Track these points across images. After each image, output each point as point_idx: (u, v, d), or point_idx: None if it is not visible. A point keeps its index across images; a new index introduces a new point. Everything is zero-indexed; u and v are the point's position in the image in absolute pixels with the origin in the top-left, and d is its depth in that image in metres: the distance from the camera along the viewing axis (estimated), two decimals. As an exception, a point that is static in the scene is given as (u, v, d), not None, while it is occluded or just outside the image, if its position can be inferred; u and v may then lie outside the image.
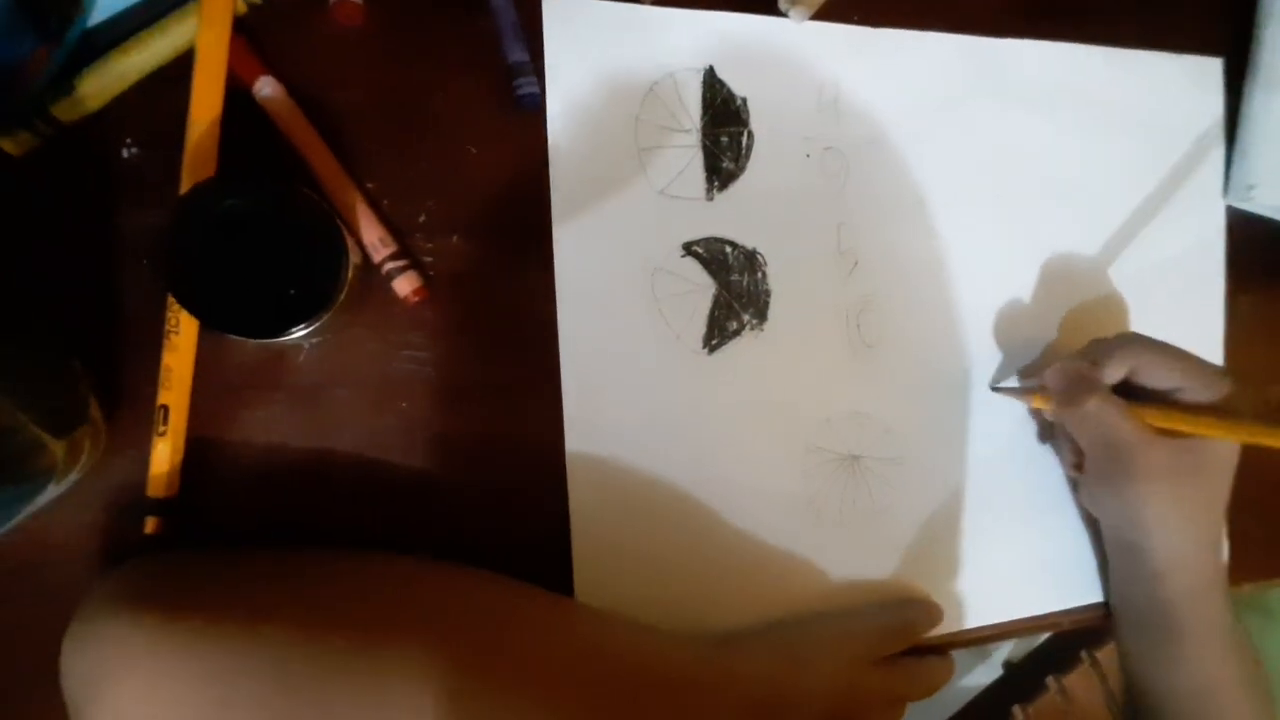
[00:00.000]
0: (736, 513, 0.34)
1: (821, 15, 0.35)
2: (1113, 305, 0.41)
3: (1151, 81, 0.41)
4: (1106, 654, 0.68)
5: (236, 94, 0.30)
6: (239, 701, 0.23)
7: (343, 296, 0.27)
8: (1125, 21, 0.41)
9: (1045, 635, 0.67)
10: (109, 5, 0.29)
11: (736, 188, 0.35)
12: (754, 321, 0.35)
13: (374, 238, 0.31)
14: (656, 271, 0.34)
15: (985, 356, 0.38)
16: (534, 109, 0.32)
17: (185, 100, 0.29)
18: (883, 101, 0.37)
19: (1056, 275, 0.40)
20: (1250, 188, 0.42)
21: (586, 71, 0.33)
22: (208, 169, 0.29)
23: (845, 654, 0.33)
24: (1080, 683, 0.69)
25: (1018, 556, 0.39)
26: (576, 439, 0.32)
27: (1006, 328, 0.39)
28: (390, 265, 0.31)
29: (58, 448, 0.24)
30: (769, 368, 0.35)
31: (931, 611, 0.36)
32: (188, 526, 0.30)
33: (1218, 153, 0.43)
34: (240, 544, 0.30)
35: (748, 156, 0.35)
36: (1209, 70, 0.42)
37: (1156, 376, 0.34)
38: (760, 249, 0.35)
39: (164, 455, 0.29)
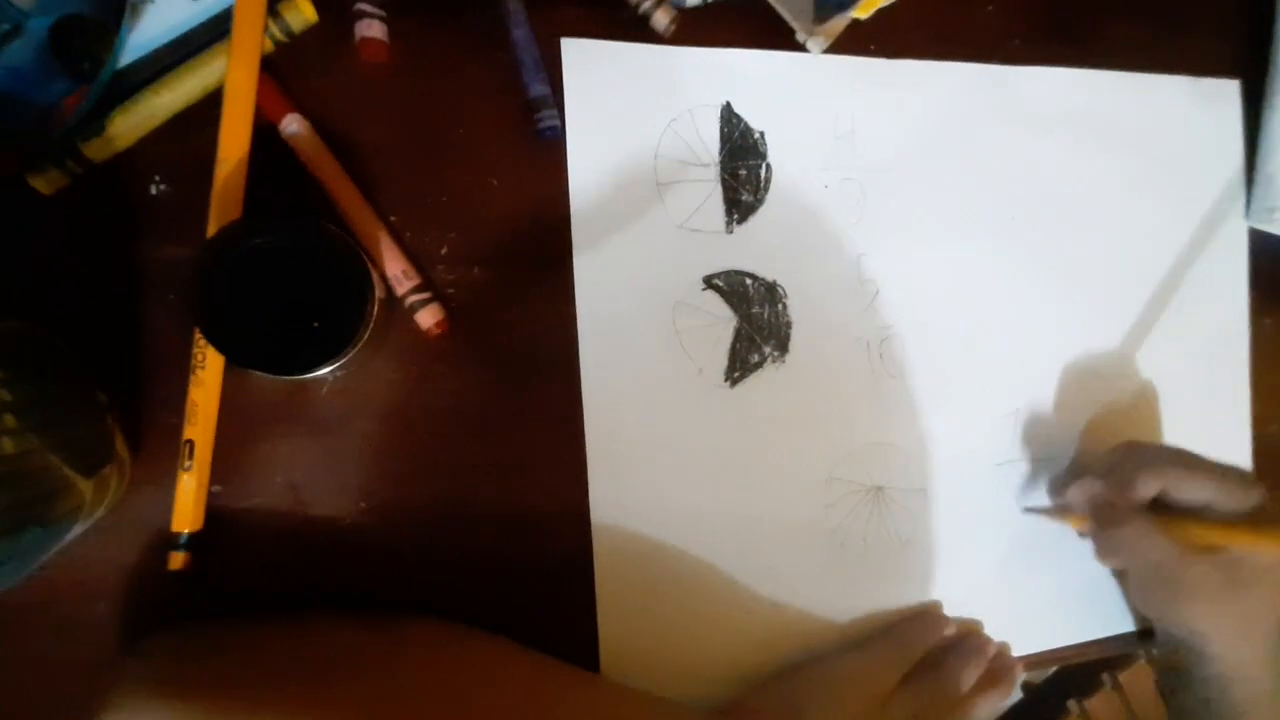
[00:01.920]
0: (759, 544, 0.34)
1: (839, 45, 0.36)
2: (1134, 330, 0.40)
3: (1169, 105, 0.41)
4: (1128, 677, 0.66)
5: (262, 130, 0.30)
6: None
7: (368, 333, 0.27)
8: (1140, 46, 0.41)
9: (1067, 659, 0.65)
10: (139, 46, 0.29)
11: (756, 220, 0.35)
12: (776, 354, 0.35)
13: (397, 270, 0.31)
14: (677, 305, 0.34)
15: (1008, 384, 0.38)
16: (555, 140, 0.33)
17: (213, 138, 0.29)
18: (899, 132, 0.37)
19: (1077, 300, 0.39)
20: (1272, 210, 0.41)
21: (605, 111, 0.33)
22: (235, 205, 0.29)
23: (851, 702, 0.33)
24: (1102, 706, 0.67)
25: (1045, 587, 0.38)
26: (599, 471, 0.32)
27: (1030, 355, 0.38)
28: (413, 298, 0.31)
29: (86, 487, 0.24)
30: (791, 400, 0.35)
31: (928, 619, 0.36)
32: (212, 563, 0.30)
33: (1238, 174, 0.42)
34: (262, 613, 0.30)
35: (766, 189, 0.35)
36: (1226, 92, 0.42)
37: (1188, 492, 0.33)
38: (781, 280, 0.35)
39: (189, 490, 0.29)
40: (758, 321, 0.34)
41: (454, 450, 0.32)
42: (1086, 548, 0.39)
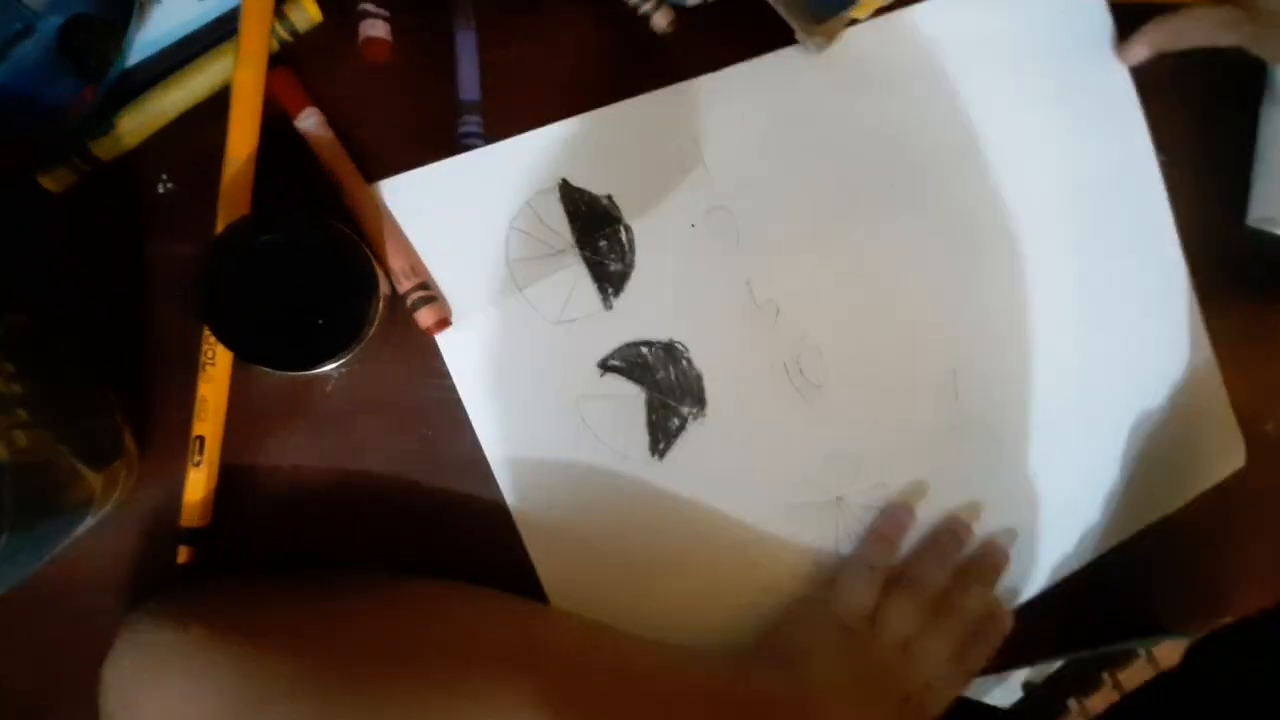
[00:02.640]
0: (736, 584, 0.34)
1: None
2: (1059, 270, 0.39)
3: (1030, 15, 0.38)
4: (1128, 675, 0.67)
5: (270, 126, 0.30)
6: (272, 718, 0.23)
7: (373, 330, 0.28)
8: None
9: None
10: (147, 45, 0.30)
11: (632, 286, 0.33)
12: (695, 410, 0.34)
13: (403, 266, 0.31)
14: (581, 400, 0.33)
15: (937, 349, 0.37)
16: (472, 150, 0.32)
17: (220, 136, 0.29)
18: (747, 142, 0.35)
19: (987, 249, 0.38)
20: (1271, 220, 0.41)
21: (444, 237, 0.32)
22: (242, 203, 0.29)
23: (837, 637, 0.33)
24: (1103, 705, 0.67)
25: (1010, 539, 0.39)
26: (550, 574, 0.32)
27: (951, 313, 0.37)
28: (415, 295, 0.31)
29: (96, 480, 0.25)
30: (725, 448, 0.34)
31: (882, 532, 0.35)
32: (220, 555, 0.30)
33: (1124, 80, 0.39)
34: (279, 571, 0.30)
35: (633, 251, 0.33)
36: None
37: None
38: (677, 337, 0.34)
39: (198, 485, 0.29)
40: (666, 386, 0.33)
41: (455, 444, 0.32)
42: (1049, 503, 0.39)
